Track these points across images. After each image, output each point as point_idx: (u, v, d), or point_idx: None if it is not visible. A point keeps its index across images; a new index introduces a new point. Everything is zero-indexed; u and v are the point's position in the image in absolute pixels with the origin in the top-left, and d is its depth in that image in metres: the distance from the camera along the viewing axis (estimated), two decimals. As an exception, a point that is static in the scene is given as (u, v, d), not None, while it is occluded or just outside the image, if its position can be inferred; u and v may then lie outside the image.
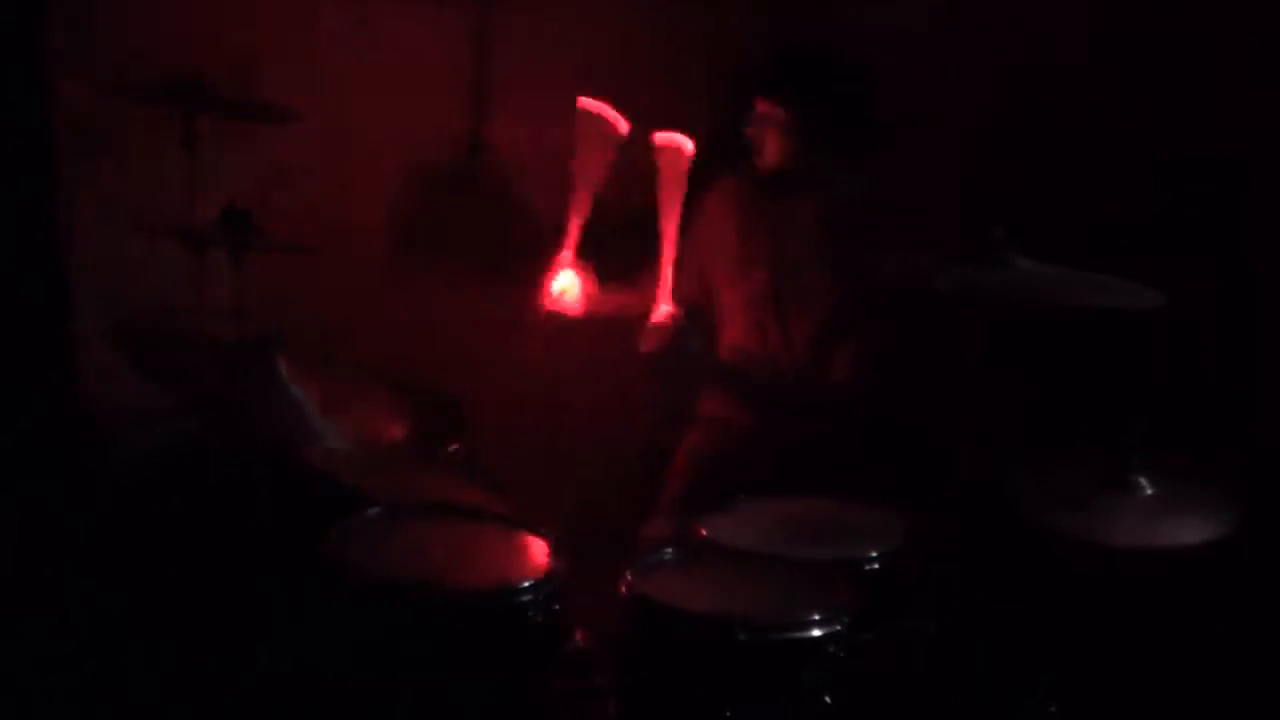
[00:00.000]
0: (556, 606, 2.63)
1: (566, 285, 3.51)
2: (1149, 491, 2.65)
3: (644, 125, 3.89)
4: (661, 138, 3.42)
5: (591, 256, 3.55)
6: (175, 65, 3.37)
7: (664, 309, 3.44)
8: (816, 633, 2.53)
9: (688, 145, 3.41)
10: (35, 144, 3.52)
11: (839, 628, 2.55)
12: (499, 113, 4.01)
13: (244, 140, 3.58)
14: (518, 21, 3.98)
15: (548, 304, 3.51)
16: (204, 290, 3.43)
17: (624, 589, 2.63)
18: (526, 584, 2.61)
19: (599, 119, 3.44)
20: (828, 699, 2.55)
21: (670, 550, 2.83)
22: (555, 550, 2.75)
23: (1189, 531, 2.61)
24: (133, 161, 3.60)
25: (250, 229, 3.09)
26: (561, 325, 3.55)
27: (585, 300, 3.54)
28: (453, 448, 3.39)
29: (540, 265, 3.54)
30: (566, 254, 3.49)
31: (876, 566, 2.81)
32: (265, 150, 3.66)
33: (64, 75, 3.50)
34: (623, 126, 3.44)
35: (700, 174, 3.72)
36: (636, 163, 3.47)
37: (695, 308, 3.58)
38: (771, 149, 3.44)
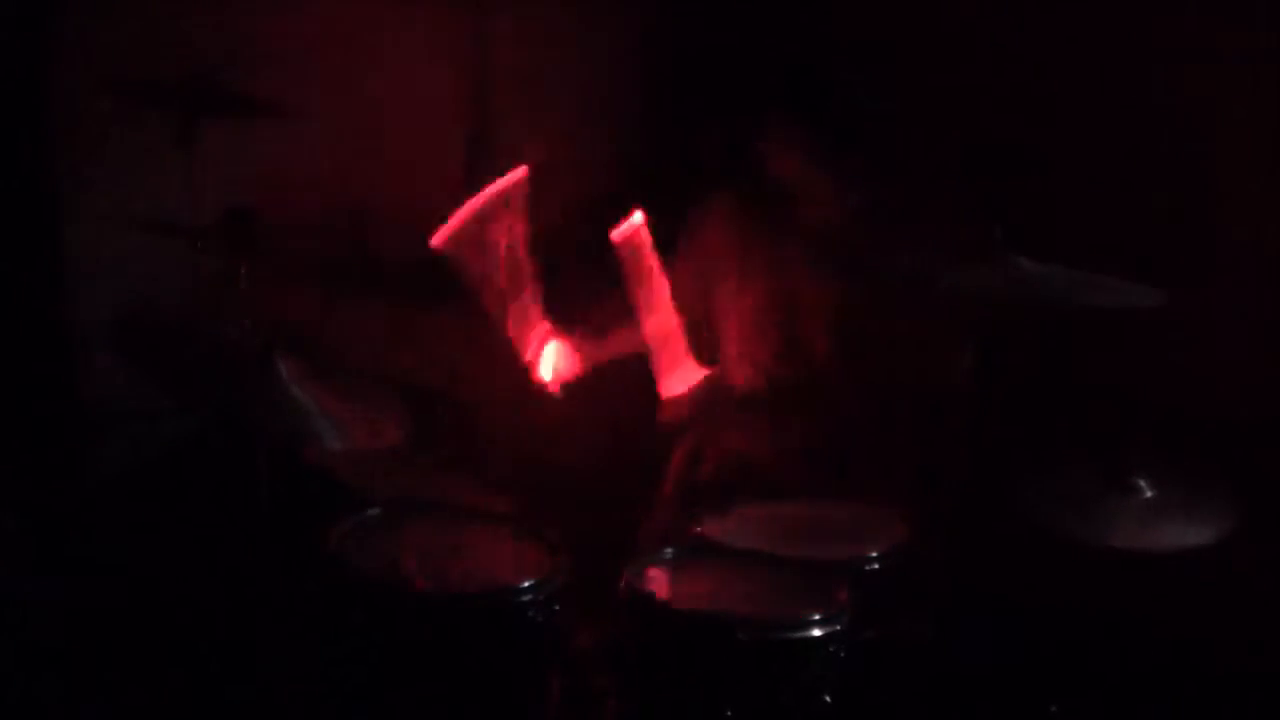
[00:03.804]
0: (556, 606, 2.63)
1: (554, 359, 3.54)
2: (1149, 494, 2.65)
3: (642, 130, 3.91)
4: (619, 234, 3.40)
5: (550, 290, 3.58)
6: (175, 65, 3.37)
7: (677, 384, 3.47)
8: (816, 633, 2.53)
9: (639, 222, 3.42)
10: (35, 144, 3.52)
11: (839, 628, 2.55)
12: (499, 113, 4.03)
13: (244, 140, 3.58)
14: (519, 24, 3.99)
15: (540, 381, 3.54)
16: (204, 290, 3.43)
17: (624, 589, 2.63)
18: (526, 584, 2.61)
19: (501, 195, 3.41)
20: (828, 699, 2.55)
21: (670, 550, 2.83)
22: (555, 550, 2.75)
23: (1189, 534, 2.61)
24: (133, 161, 3.60)
25: (250, 229, 3.09)
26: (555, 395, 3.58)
27: (575, 362, 3.57)
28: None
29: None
30: (542, 326, 3.51)
31: (876, 566, 2.81)
32: (265, 150, 3.66)
33: (64, 75, 3.50)
34: (519, 174, 3.41)
35: (702, 185, 3.73)
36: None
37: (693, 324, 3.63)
38: (776, 159, 3.44)
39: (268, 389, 2.75)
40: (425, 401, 3.53)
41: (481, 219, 3.33)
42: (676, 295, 3.73)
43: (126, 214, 3.47)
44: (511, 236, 3.37)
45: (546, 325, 3.53)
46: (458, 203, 4.01)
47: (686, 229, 3.70)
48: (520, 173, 3.35)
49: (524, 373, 3.50)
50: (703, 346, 3.74)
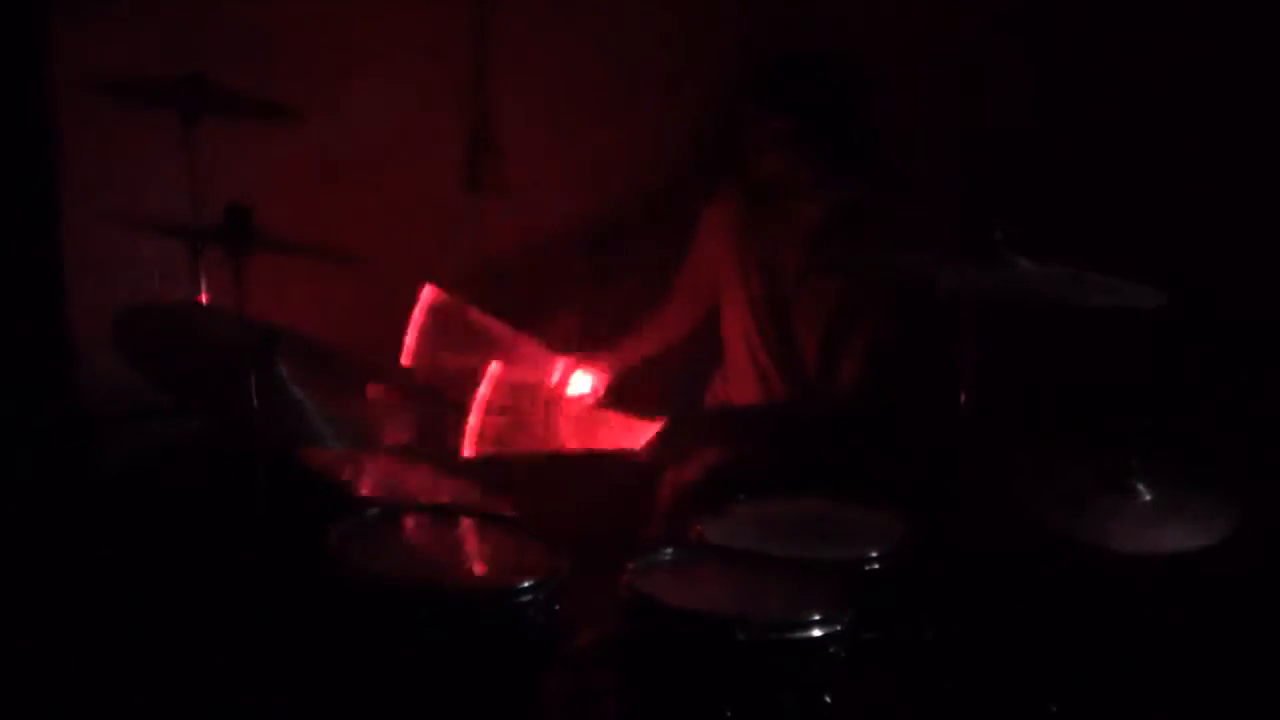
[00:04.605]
0: (556, 606, 2.63)
1: (582, 382, 3.63)
2: (1148, 496, 2.65)
3: (643, 128, 3.90)
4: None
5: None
6: (175, 65, 3.37)
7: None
8: (816, 633, 2.53)
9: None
10: (35, 144, 3.52)
11: (839, 628, 2.55)
12: (500, 112, 4.03)
13: (244, 140, 3.58)
14: (518, 21, 3.99)
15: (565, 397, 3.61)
16: (204, 290, 3.43)
17: (624, 589, 2.63)
18: (526, 584, 2.61)
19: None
20: (828, 699, 2.55)
21: (670, 550, 2.83)
22: (555, 550, 2.75)
23: (1189, 535, 2.61)
24: (133, 161, 3.60)
25: (250, 229, 3.08)
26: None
27: (601, 378, 3.68)
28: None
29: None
30: (557, 360, 3.60)
31: (876, 566, 2.81)
32: (265, 150, 3.66)
33: (64, 75, 3.50)
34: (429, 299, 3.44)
35: (699, 179, 3.73)
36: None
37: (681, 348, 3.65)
38: (769, 156, 3.44)
39: (268, 389, 2.75)
40: (425, 401, 3.53)
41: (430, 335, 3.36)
42: (680, 296, 3.73)
43: (126, 214, 3.47)
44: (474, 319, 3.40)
45: (560, 358, 3.57)
46: (456, 204, 4.04)
47: (688, 228, 3.70)
48: (429, 295, 3.41)
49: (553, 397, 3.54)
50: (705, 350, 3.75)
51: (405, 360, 3.33)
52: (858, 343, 3.46)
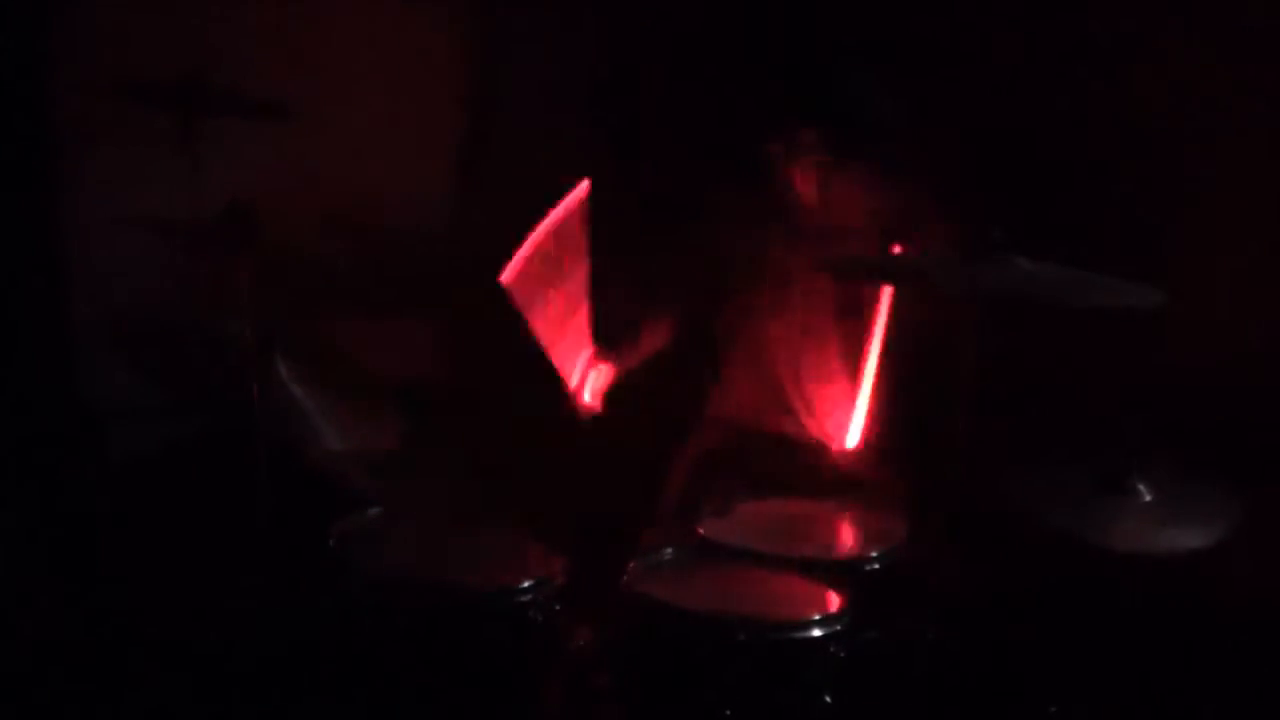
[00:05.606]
0: (556, 606, 2.63)
1: (597, 381, 3.53)
2: (1148, 496, 2.65)
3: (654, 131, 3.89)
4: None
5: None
6: (175, 65, 3.37)
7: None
8: (816, 633, 2.53)
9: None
10: (34, 144, 3.52)
11: (839, 628, 2.55)
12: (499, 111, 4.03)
13: (244, 140, 3.58)
14: (518, 21, 3.99)
15: (585, 402, 3.53)
16: (204, 290, 3.43)
17: (624, 589, 2.63)
18: (526, 584, 2.61)
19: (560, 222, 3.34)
20: (828, 699, 2.55)
21: (670, 550, 2.83)
22: (555, 550, 2.75)
23: (1188, 536, 2.61)
24: (132, 161, 3.60)
25: (250, 229, 3.09)
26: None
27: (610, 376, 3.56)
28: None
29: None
30: (588, 351, 3.48)
31: (876, 566, 2.81)
32: (265, 150, 3.66)
33: (64, 75, 3.50)
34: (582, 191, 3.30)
35: (711, 184, 3.72)
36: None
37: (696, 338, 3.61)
38: (785, 164, 3.43)
39: (268, 389, 2.75)
40: (425, 401, 3.53)
41: (544, 251, 3.21)
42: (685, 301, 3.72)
43: (126, 214, 3.47)
44: (572, 262, 3.29)
45: (592, 350, 3.50)
46: (457, 203, 4.04)
47: (695, 234, 3.69)
48: (583, 189, 3.23)
49: (570, 398, 3.47)
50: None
51: None
52: (860, 345, 3.45)
